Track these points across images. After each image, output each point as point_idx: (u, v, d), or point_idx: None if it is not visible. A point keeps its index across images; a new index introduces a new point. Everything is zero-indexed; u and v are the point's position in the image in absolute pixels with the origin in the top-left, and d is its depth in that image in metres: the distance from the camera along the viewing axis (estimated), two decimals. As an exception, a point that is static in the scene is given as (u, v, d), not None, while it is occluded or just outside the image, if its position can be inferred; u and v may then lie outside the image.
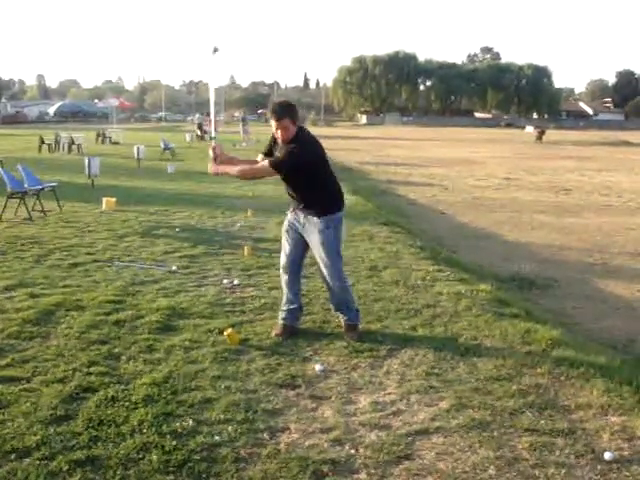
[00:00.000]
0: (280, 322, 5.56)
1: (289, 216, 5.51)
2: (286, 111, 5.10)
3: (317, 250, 5.37)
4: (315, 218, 5.28)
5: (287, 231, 5.50)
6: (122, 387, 4.33)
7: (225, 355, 4.98)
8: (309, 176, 5.19)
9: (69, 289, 6.67)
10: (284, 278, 5.59)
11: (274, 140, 5.35)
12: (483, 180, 20.98)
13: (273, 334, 5.43)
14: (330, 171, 5.38)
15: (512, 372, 4.73)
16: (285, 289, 5.60)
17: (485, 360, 4.96)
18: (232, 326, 5.53)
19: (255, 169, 5.43)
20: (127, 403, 4.10)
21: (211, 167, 5.51)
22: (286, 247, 5.51)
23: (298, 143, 5.12)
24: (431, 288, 7.02)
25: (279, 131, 5.11)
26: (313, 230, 5.31)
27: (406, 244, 9.46)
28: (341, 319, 5.59)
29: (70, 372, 4.56)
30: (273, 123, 5.11)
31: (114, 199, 12.49)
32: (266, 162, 5.23)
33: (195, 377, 4.55)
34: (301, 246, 5.49)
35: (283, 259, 5.57)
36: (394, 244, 9.44)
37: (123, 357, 4.90)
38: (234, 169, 5.42)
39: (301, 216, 5.36)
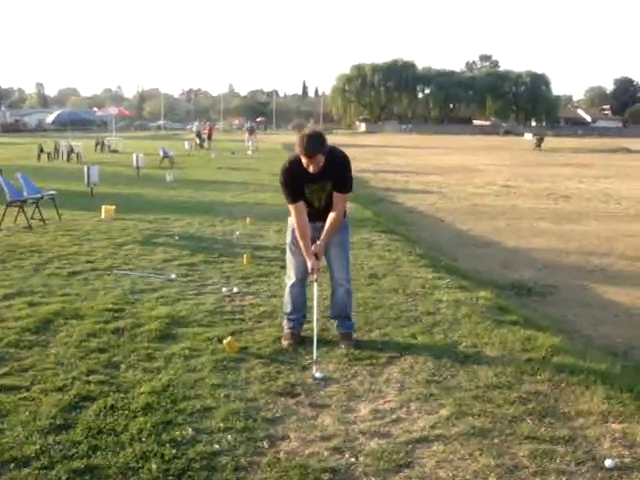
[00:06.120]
0: (288, 331, 5.56)
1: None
2: (317, 147, 4.97)
3: (336, 251, 5.44)
4: None
5: (296, 243, 5.39)
6: (121, 396, 4.33)
7: (224, 363, 4.97)
8: None
9: (68, 297, 6.67)
10: (294, 289, 5.57)
11: (293, 178, 5.19)
12: (482, 187, 21.00)
13: (285, 344, 5.42)
14: None
15: (512, 379, 4.73)
16: (294, 299, 5.58)
17: (485, 367, 4.95)
18: (231, 334, 5.53)
19: (343, 210, 5.33)
20: (126, 412, 4.09)
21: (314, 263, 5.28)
22: (297, 258, 5.44)
23: (339, 159, 5.19)
24: (430, 295, 7.01)
25: (311, 166, 5.03)
26: (335, 234, 5.36)
27: (405, 252, 9.47)
28: (337, 329, 5.63)
29: (69, 381, 4.56)
30: (304, 159, 5.00)
31: (113, 207, 12.50)
32: (341, 196, 5.24)
33: (194, 385, 4.55)
34: None
35: (294, 271, 5.52)
36: (393, 252, 9.44)
37: (122, 365, 4.90)
38: (329, 233, 5.30)
39: (321, 223, 5.33)
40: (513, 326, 5.96)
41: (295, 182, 5.21)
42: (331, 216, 5.28)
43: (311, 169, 5.04)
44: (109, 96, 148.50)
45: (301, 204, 5.27)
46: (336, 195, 5.26)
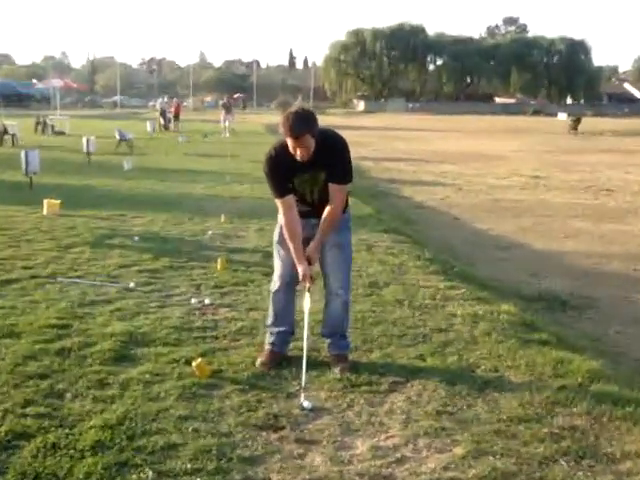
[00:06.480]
0: (268, 347, 5.59)
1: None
2: (305, 126, 4.96)
3: (333, 254, 5.46)
4: None
5: (284, 242, 5.40)
6: (66, 432, 4.29)
7: (193, 390, 4.96)
8: None
9: (1, 311, 6.63)
10: (280, 296, 5.59)
11: (279, 168, 5.21)
12: (505, 179, 21.07)
13: (258, 362, 5.44)
14: None
15: (542, 411, 4.73)
16: (278, 309, 5.61)
17: (508, 396, 4.95)
18: (202, 355, 5.51)
19: (341, 204, 5.32)
20: (71, 451, 4.06)
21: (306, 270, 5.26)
22: (285, 260, 5.46)
23: (333, 142, 5.22)
24: (442, 309, 7.03)
25: (298, 150, 5.01)
26: (333, 233, 5.38)
27: (412, 256, 9.48)
28: (328, 349, 5.65)
29: (0, 414, 4.52)
30: (290, 142, 5.00)
31: (58, 201, 12.47)
32: (338, 187, 5.24)
33: (157, 418, 4.53)
34: None
35: (281, 274, 5.54)
36: (397, 256, 9.45)
37: (68, 394, 4.87)
38: (325, 231, 5.31)
39: (315, 219, 5.34)
40: (543, 346, 5.97)
41: (282, 172, 5.22)
42: (327, 211, 5.27)
43: (299, 155, 5.03)
44: (52, 65, 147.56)
45: (290, 198, 5.26)
46: (332, 186, 5.25)
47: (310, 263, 5.29)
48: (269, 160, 5.24)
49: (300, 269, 5.25)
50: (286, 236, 5.29)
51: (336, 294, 5.56)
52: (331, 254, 5.48)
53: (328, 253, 5.47)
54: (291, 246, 5.26)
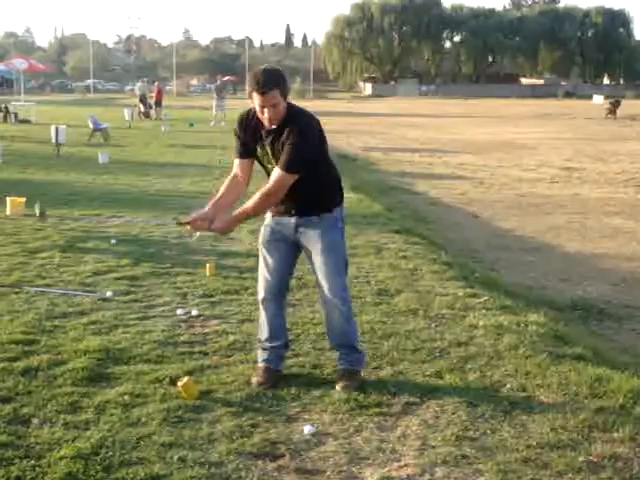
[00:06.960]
0: (261, 365, 5.60)
1: (271, 221, 5.54)
2: (274, 81, 5.07)
3: (322, 258, 5.44)
4: (316, 217, 5.39)
5: (269, 242, 5.50)
6: (32, 463, 4.26)
7: (179, 414, 4.94)
8: (317, 163, 5.32)
9: (-40, 325, 6.64)
10: (267, 306, 5.61)
11: (245, 130, 5.36)
12: (533, 171, 21.07)
13: (254, 382, 5.44)
14: (327, 149, 5.51)
15: (577, 437, 4.70)
16: (267, 321, 5.62)
17: (538, 419, 4.94)
18: (189, 374, 5.51)
19: (271, 190, 5.25)
20: (40, 485, 4.05)
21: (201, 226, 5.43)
22: (270, 264, 5.52)
23: (299, 123, 5.19)
24: (462, 319, 7.02)
25: (265, 110, 5.08)
26: (313, 233, 5.38)
27: (427, 259, 9.46)
28: (338, 362, 5.62)
29: (-43, 443, 4.51)
30: (257, 99, 5.07)
31: (23, 200, 12.46)
32: (277, 172, 5.19)
33: (137, 446, 4.51)
34: (290, 260, 5.61)
35: (266, 280, 5.57)
36: (410, 259, 9.44)
37: (35, 420, 4.85)
38: (244, 211, 5.34)
39: (293, 219, 5.38)
40: (577, 362, 5.94)
41: (246, 132, 5.37)
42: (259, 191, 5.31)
43: (267, 117, 5.10)
44: (14, 43, 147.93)
45: (245, 163, 5.44)
46: (274, 168, 5.29)
47: (210, 225, 5.38)
48: (240, 118, 5.45)
49: (197, 212, 5.41)
50: (218, 191, 5.47)
51: (333, 305, 5.53)
52: (321, 258, 5.45)
53: (316, 257, 5.46)
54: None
